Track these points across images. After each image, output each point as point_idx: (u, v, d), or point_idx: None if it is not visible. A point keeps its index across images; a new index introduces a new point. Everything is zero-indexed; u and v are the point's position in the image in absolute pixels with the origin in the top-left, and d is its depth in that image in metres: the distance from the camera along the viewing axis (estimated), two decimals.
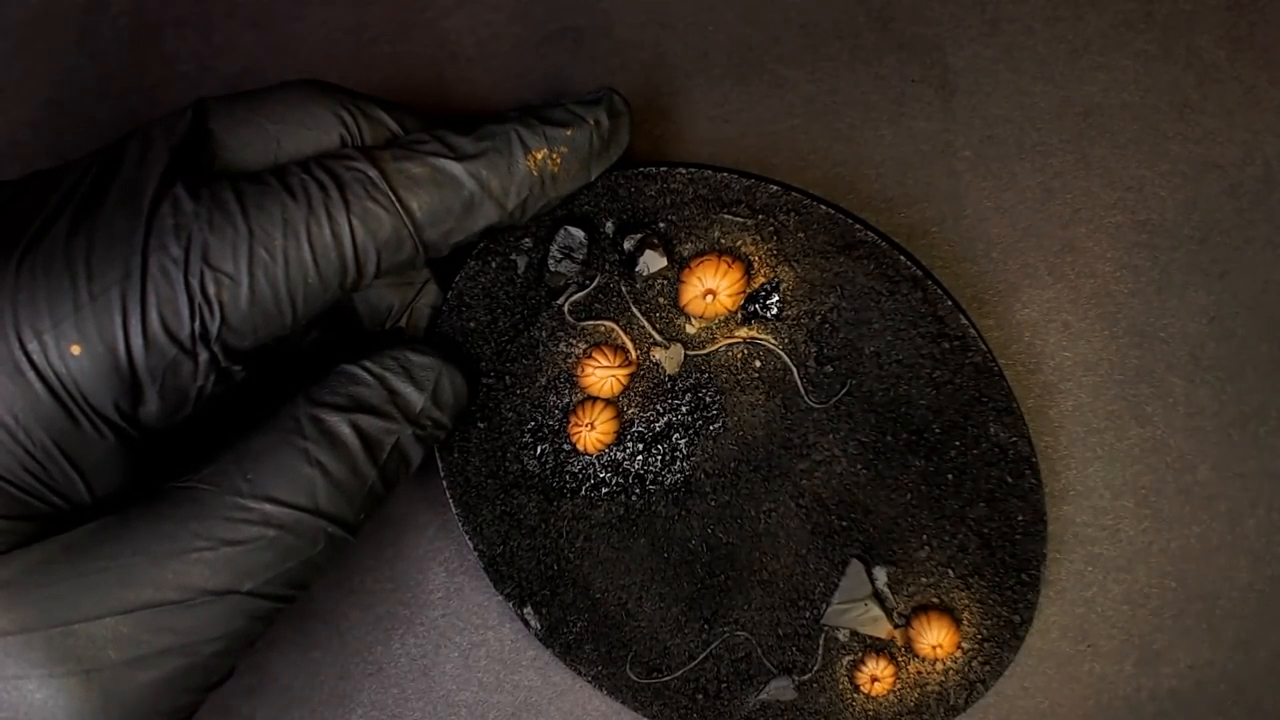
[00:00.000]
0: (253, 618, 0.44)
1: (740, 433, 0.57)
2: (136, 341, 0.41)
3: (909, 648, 0.57)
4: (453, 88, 0.62)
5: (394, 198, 0.45)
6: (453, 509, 0.56)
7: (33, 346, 0.39)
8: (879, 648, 0.57)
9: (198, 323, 0.42)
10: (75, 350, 0.40)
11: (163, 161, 0.44)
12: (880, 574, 0.57)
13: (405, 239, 0.46)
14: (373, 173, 0.45)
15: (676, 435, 0.57)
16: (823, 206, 0.54)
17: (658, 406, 0.57)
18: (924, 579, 0.57)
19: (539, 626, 0.57)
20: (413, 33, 0.62)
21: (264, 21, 0.62)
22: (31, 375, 0.40)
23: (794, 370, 0.56)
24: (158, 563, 0.42)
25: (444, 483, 0.56)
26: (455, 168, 0.47)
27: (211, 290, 0.42)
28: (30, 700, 0.39)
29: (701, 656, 0.57)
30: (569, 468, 0.57)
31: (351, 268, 0.45)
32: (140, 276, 0.41)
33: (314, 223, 0.43)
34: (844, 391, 0.56)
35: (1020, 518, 0.55)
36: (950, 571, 0.56)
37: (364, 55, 0.62)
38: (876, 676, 0.56)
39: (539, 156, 0.49)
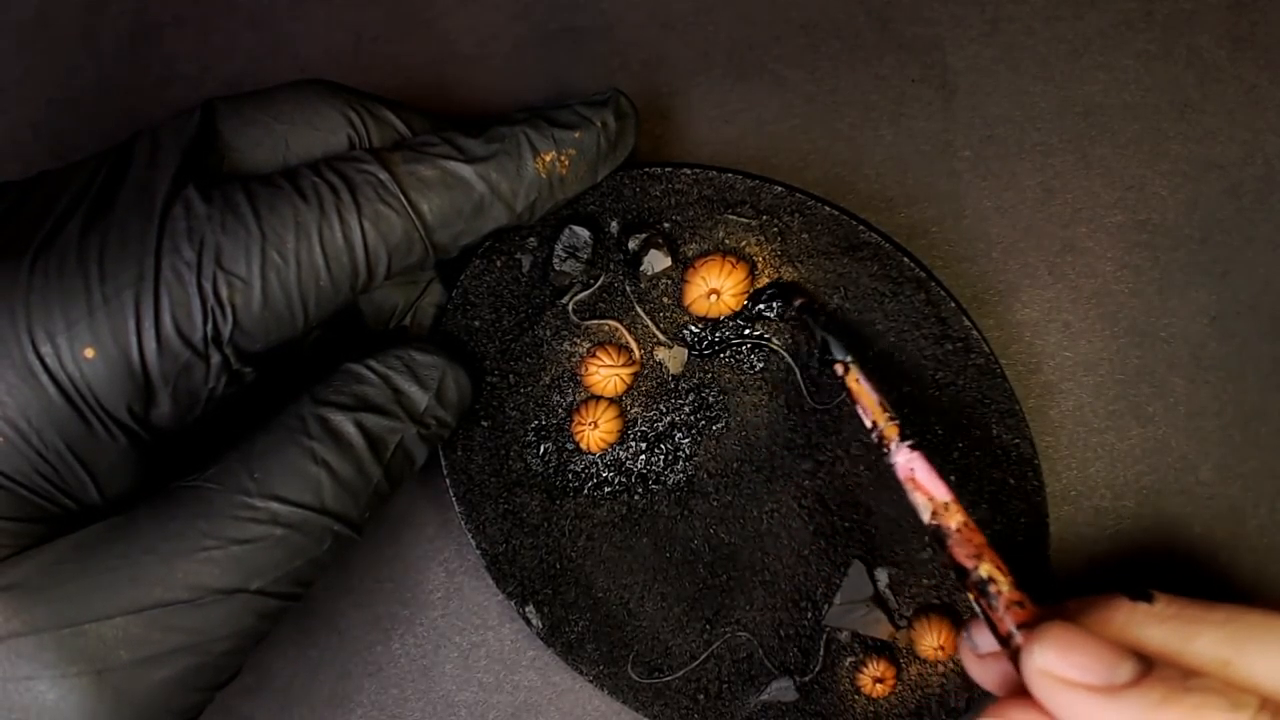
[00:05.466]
0: (261, 616, 0.44)
1: (743, 433, 0.57)
2: (150, 344, 0.41)
3: (911, 649, 0.57)
4: (453, 88, 0.62)
5: (405, 200, 0.45)
6: (456, 507, 0.56)
7: (46, 350, 0.39)
8: (880, 649, 0.57)
9: (210, 325, 0.42)
10: (89, 353, 0.40)
11: (174, 163, 0.44)
12: (882, 575, 0.57)
13: (416, 241, 0.46)
14: (384, 175, 0.45)
15: (679, 435, 0.57)
16: (827, 208, 0.54)
17: (661, 406, 0.57)
18: (926, 580, 0.57)
19: (541, 625, 0.57)
20: (413, 33, 0.62)
21: (264, 21, 0.62)
22: (45, 379, 0.40)
23: (797, 371, 0.56)
24: (167, 562, 0.42)
25: (447, 481, 0.56)
26: (465, 170, 0.47)
27: (224, 293, 0.42)
28: (42, 701, 0.39)
29: (703, 656, 0.57)
30: (572, 467, 0.57)
31: (363, 270, 0.45)
32: (153, 279, 0.41)
33: (326, 225, 0.43)
34: (847, 392, 0.56)
35: (1022, 520, 0.56)
36: (952, 573, 0.56)
37: (364, 55, 0.62)
38: (878, 678, 0.56)
39: (547, 159, 0.49)
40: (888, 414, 0.50)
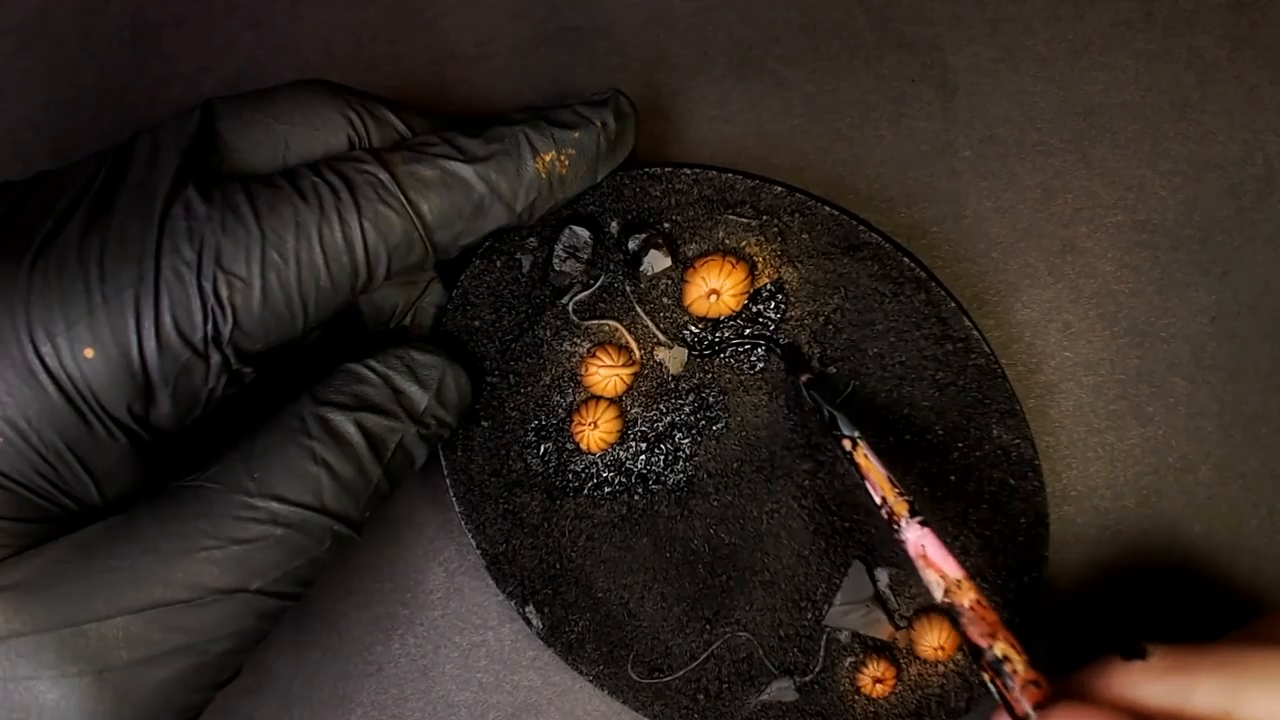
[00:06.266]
0: (261, 616, 0.44)
1: (743, 433, 0.57)
2: (150, 344, 0.41)
3: (911, 650, 0.57)
4: (453, 88, 0.62)
5: (405, 200, 0.45)
6: (456, 507, 0.56)
7: (46, 349, 0.39)
8: (881, 649, 0.57)
9: (210, 325, 0.42)
10: (89, 353, 0.40)
11: (174, 163, 0.44)
12: (882, 575, 0.57)
13: (416, 241, 0.46)
14: (384, 175, 0.45)
15: (679, 435, 0.57)
16: (827, 208, 0.54)
17: (661, 406, 0.57)
18: None
19: (541, 626, 0.57)
20: (413, 33, 0.62)
21: (264, 21, 0.62)
22: (45, 378, 0.40)
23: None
24: (167, 562, 0.42)
25: (447, 481, 0.56)
26: (465, 170, 0.47)
27: (224, 293, 0.42)
28: (42, 701, 0.39)
29: (703, 657, 0.57)
30: (572, 467, 0.57)
31: (363, 270, 0.45)
32: (153, 279, 0.41)
33: (326, 226, 0.43)
34: (847, 392, 0.56)
35: (1022, 520, 0.55)
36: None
37: (364, 55, 0.62)
38: (878, 678, 0.56)
39: (547, 159, 0.49)
40: (897, 490, 0.49)
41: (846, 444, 0.52)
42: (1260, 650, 0.40)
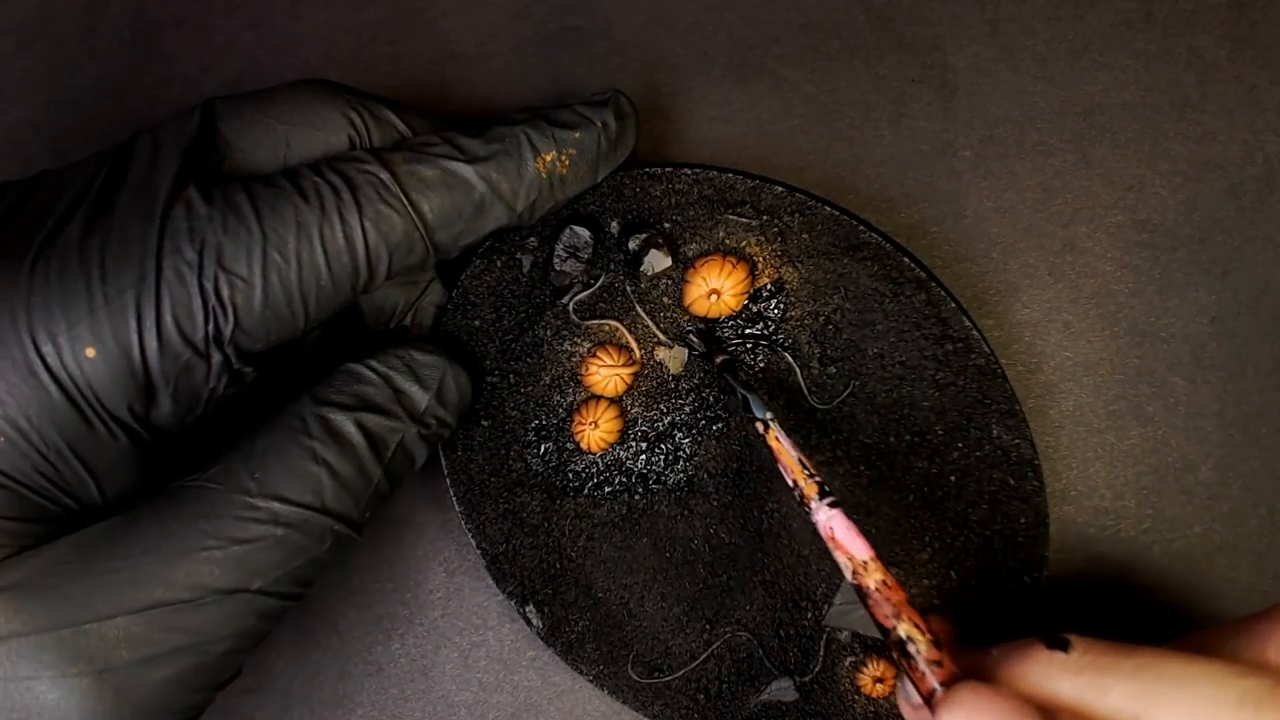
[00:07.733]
0: (261, 616, 0.44)
1: (743, 433, 0.57)
2: (151, 344, 0.41)
3: None
4: (453, 88, 0.61)
5: (406, 200, 0.45)
6: (456, 507, 0.56)
7: (47, 349, 0.39)
8: (881, 649, 0.57)
9: (211, 325, 0.42)
10: (90, 353, 0.40)
11: (174, 164, 0.44)
12: None
13: (416, 241, 0.46)
14: (385, 175, 0.45)
15: (679, 435, 0.57)
16: (827, 208, 0.54)
17: (661, 406, 0.57)
18: (926, 581, 0.57)
19: (541, 625, 0.57)
20: (413, 33, 0.62)
21: (264, 21, 0.62)
22: (46, 378, 0.40)
23: (797, 371, 0.56)
24: (168, 562, 0.42)
25: (447, 481, 0.56)
26: (466, 170, 0.47)
27: (225, 293, 0.42)
28: (43, 701, 0.39)
29: (703, 656, 0.57)
30: (572, 466, 0.57)
31: (364, 270, 0.45)
32: (155, 279, 0.41)
33: (327, 226, 0.43)
34: (847, 393, 0.56)
35: (1022, 520, 0.55)
36: (952, 573, 0.56)
37: (364, 55, 0.62)
38: (878, 678, 0.56)
39: (548, 159, 0.49)
40: (807, 472, 0.50)
41: (759, 427, 0.52)
42: (1181, 661, 0.40)
